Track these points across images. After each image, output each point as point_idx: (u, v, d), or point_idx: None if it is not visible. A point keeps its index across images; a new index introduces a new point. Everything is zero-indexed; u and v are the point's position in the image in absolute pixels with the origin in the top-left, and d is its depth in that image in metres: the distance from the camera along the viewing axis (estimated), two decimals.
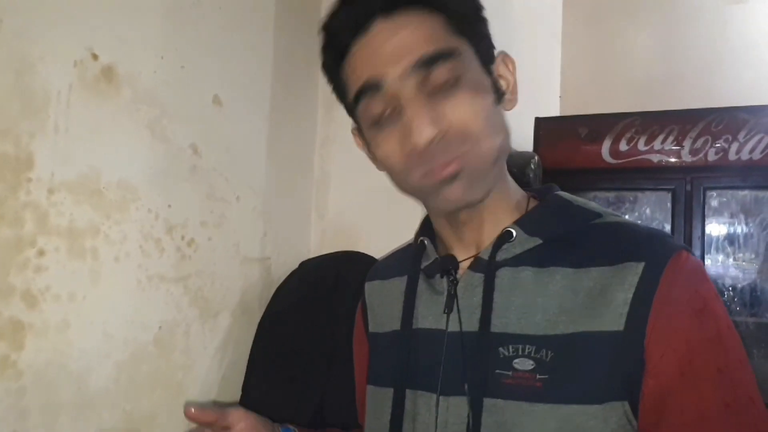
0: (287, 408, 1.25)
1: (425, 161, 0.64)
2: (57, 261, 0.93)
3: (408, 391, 0.72)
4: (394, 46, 0.63)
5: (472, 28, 0.68)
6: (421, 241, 0.77)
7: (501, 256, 0.69)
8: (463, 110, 0.64)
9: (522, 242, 0.69)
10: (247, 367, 1.27)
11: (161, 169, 1.09)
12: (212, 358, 1.21)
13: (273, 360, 1.28)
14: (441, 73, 0.63)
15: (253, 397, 1.24)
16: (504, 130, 0.69)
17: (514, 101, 0.71)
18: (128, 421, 1.05)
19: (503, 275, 0.68)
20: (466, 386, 0.66)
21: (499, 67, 0.71)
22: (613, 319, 0.62)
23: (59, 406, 0.94)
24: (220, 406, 0.85)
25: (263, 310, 1.31)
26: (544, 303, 0.65)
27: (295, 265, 1.37)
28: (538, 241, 0.68)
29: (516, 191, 0.75)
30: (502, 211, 0.71)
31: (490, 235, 0.71)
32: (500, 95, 0.70)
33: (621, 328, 0.61)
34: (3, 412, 0.87)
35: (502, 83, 0.71)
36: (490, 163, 0.66)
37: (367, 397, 0.80)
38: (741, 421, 0.60)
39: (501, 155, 0.68)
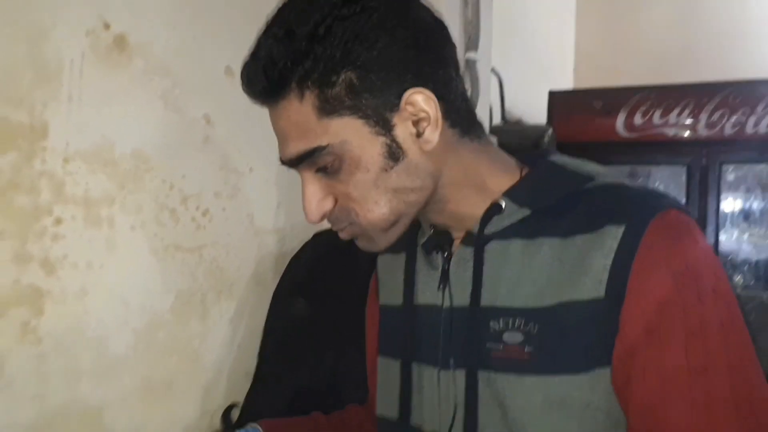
0: (302, 377, 1.27)
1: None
2: (74, 229, 0.95)
3: (414, 364, 0.74)
4: (278, 133, 0.67)
5: (352, 100, 0.62)
6: (417, 219, 0.77)
7: (490, 229, 0.68)
8: (344, 188, 0.65)
9: (511, 214, 0.68)
10: (262, 336, 1.28)
11: (174, 140, 1.10)
12: (228, 327, 1.23)
13: (287, 330, 1.29)
14: (319, 160, 0.65)
15: (268, 366, 1.26)
16: (403, 188, 0.66)
17: (434, 136, 0.65)
18: (147, 387, 1.07)
19: (493, 248, 0.68)
20: (451, 360, 0.68)
21: (410, 107, 0.64)
22: (593, 286, 0.61)
23: (80, 372, 0.96)
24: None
25: (277, 281, 1.32)
26: (532, 275, 0.65)
27: (309, 237, 1.38)
28: (526, 212, 0.67)
29: (505, 164, 0.72)
30: (474, 192, 0.69)
31: (480, 209, 0.70)
32: (399, 154, 0.65)
33: (602, 295, 0.61)
34: (25, 376, 0.89)
35: (420, 124, 0.65)
36: (382, 228, 0.67)
37: (378, 367, 0.82)
38: (709, 389, 0.57)
39: (402, 211, 0.67)
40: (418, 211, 0.69)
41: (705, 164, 2.72)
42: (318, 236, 1.40)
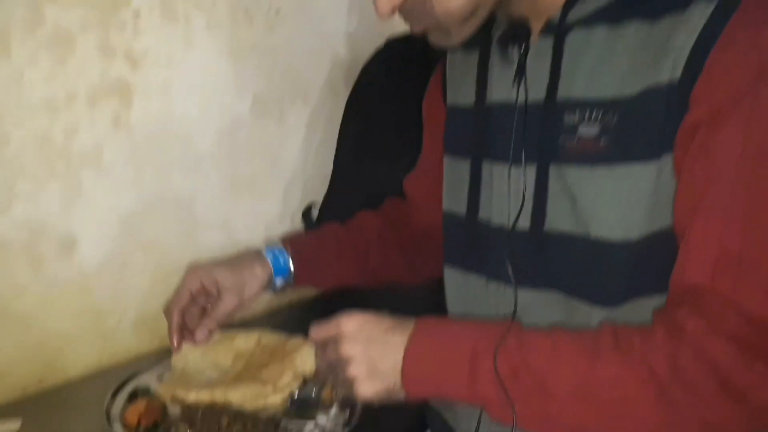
0: (376, 182, 1.30)
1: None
2: (152, 24, 0.95)
3: (485, 162, 0.73)
4: None
5: None
6: (492, 10, 0.72)
7: (572, 16, 0.63)
8: None
9: None
10: (338, 142, 1.31)
11: None
12: (305, 131, 1.25)
13: (362, 135, 1.31)
14: None
15: (343, 170, 1.30)
16: None
17: None
18: (232, 183, 1.13)
19: (574, 37, 0.64)
20: (523, 155, 0.67)
21: None
22: (672, 67, 0.57)
23: (170, 164, 1.02)
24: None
25: (350, 88, 1.31)
26: (614, 63, 0.61)
27: (381, 42, 1.34)
28: None
29: None
30: None
31: None
32: None
33: (678, 76, 0.57)
34: (123, 165, 0.96)
35: None
36: (458, 18, 0.62)
37: (445, 167, 0.82)
38: (759, 176, 0.54)
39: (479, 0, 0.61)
40: (495, 5, 0.64)
41: None
42: (391, 41, 1.35)
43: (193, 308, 0.85)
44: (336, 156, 1.30)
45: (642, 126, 0.60)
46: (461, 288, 0.78)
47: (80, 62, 0.88)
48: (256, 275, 0.85)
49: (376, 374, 0.62)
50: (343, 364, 0.63)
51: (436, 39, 0.66)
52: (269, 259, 0.86)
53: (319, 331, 0.67)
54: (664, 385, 0.53)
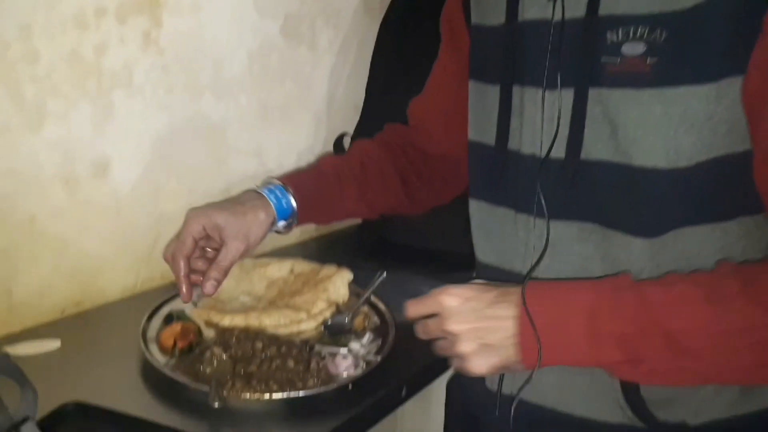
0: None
1: None
2: None
3: (515, 87, 0.68)
4: None
5: None
6: None
7: None
8: None
9: None
10: (370, 71, 1.26)
11: None
12: (337, 55, 1.21)
13: (394, 65, 1.26)
14: None
15: (375, 100, 1.26)
16: None
17: None
18: (263, 109, 1.10)
19: None
20: (558, 78, 0.62)
21: None
22: None
23: (201, 88, 0.99)
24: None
25: (384, 11, 1.26)
26: None
27: None
28: None
29: None
30: None
31: None
32: None
33: None
34: (153, 86, 0.93)
35: None
36: None
37: (470, 92, 0.76)
38: None
39: None
40: None
41: None
42: None
43: (197, 255, 0.79)
44: (368, 85, 1.26)
45: (695, 45, 0.55)
46: (488, 222, 0.75)
47: None
48: (260, 220, 0.79)
49: (488, 349, 0.60)
50: (451, 341, 0.61)
51: None
52: (272, 202, 0.80)
53: (418, 308, 0.63)
54: None
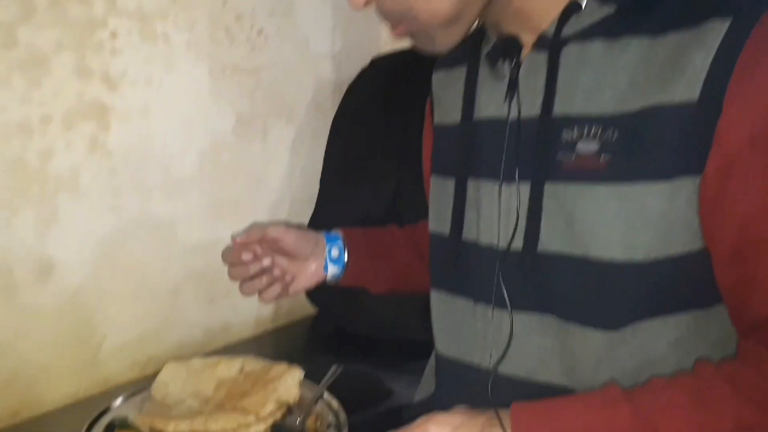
0: (363, 203, 1.29)
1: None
2: (130, 44, 0.93)
3: (471, 181, 0.70)
4: None
5: None
6: (480, 24, 0.70)
7: (567, 30, 0.62)
8: None
9: (592, 12, 0.61)
10: (323, 163, 1.29)
11: None
12: (289, 152, 1.24)
13: (348, 157, 1.29)
14: None
15: (329, 192, 1.28)
16: None
17: None
18: (215, 206, 1.11)
19: (570, 52, 0.62)
20: (517, 172, 0.64)
21: None
22: (687, 87, 0.55)
23: (150, 188, 1.00)
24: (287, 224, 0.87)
25: (335, 108, 1.30)
26: (613, 79, 0.59)
27: (366, 63, 1.33)
28: (610, 9, 0.60)
29: None
30: None
31: (555, 8, 0.62)
32: None
33: (695, 96, 0.54)
34: (100, 189, 0.93)
35: None
36: (441, 21, 0.59)
37: (431, 187, 0.79)
38: None
39: (464, 3, 0.59)
40: (482, 9, 0.62)
41: None
42: (376, 62, 1.35)
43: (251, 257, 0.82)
44: (322, 177, 1.29)
45: (647, 144, 0.57)
46: (447, 311, 0.75)
47: (56, 84, 0.86)
48: (321, 248, 0.85)
49: None
50: None
51: (419, 43, 0.63)
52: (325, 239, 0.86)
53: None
54: None
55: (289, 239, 0.82)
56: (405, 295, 1.01)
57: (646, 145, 0.57)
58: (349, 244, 0.87)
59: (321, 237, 0.86)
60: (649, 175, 0.57)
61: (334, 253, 0.86)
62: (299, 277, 0.86)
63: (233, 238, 0.79)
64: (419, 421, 0.59)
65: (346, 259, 0.87)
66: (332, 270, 0.86)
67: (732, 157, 0.54)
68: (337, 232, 0.88)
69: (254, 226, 0.82)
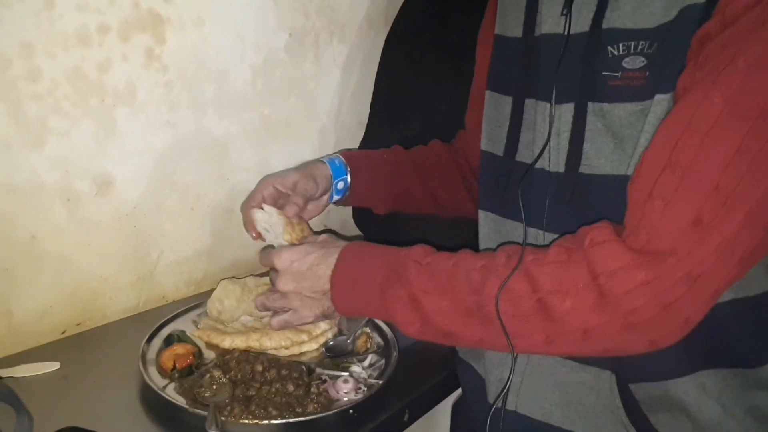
0: (413, 128, 1.25)
1: None
2: None
3: (528, 101, 0.69)
4: None
5: None
6: None
7: None
8: None
9: None
10: (374, 85, 1.25)
11: None
12: (342, 70, 1.20)
13: (400, 80, 1.25)
14: None
15: (380, 117, 1.25)
16: None
17: None
18: (266, 124, 1.09)
19: None
20: (553, 91, 0.64)
21: None
22: None
23: (205, 103, 0.98)
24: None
25: (389, 25, 1.25)
26: None
27: None
28: None
29: None
30: None
31: None
32: None
33: None
34: (156, 103, 0.92)
35: None
36: None
37: (486, 102, 0.77)
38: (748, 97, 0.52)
39: None
40: None
41: None
42: None
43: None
44: (373, 99, 1.25)
45: (677, 52, 0.56)
46: (496, 233, 0.75)
47: None
48: (323, 170, 0.87)
49: (309, 302, 0.73)
50: (281, 297, 0.74)
51: None
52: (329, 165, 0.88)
53: (263, 260, 0.77)
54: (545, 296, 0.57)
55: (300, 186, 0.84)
56: (451, 221, 1.01)
57: (676, 53, 0.56)
58: (351, 168, 0.89)
59: (319, 168, 0.87)
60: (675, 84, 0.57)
61: (340, 185, 0.89)
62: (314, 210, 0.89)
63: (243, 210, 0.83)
64: (272, 252, 0.74)
65: (350, 184, 0.90)
66: (337, 197, 0.90)
67: (703, 37, 0.55)
68: (340, 159, 0.89)
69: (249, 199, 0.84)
